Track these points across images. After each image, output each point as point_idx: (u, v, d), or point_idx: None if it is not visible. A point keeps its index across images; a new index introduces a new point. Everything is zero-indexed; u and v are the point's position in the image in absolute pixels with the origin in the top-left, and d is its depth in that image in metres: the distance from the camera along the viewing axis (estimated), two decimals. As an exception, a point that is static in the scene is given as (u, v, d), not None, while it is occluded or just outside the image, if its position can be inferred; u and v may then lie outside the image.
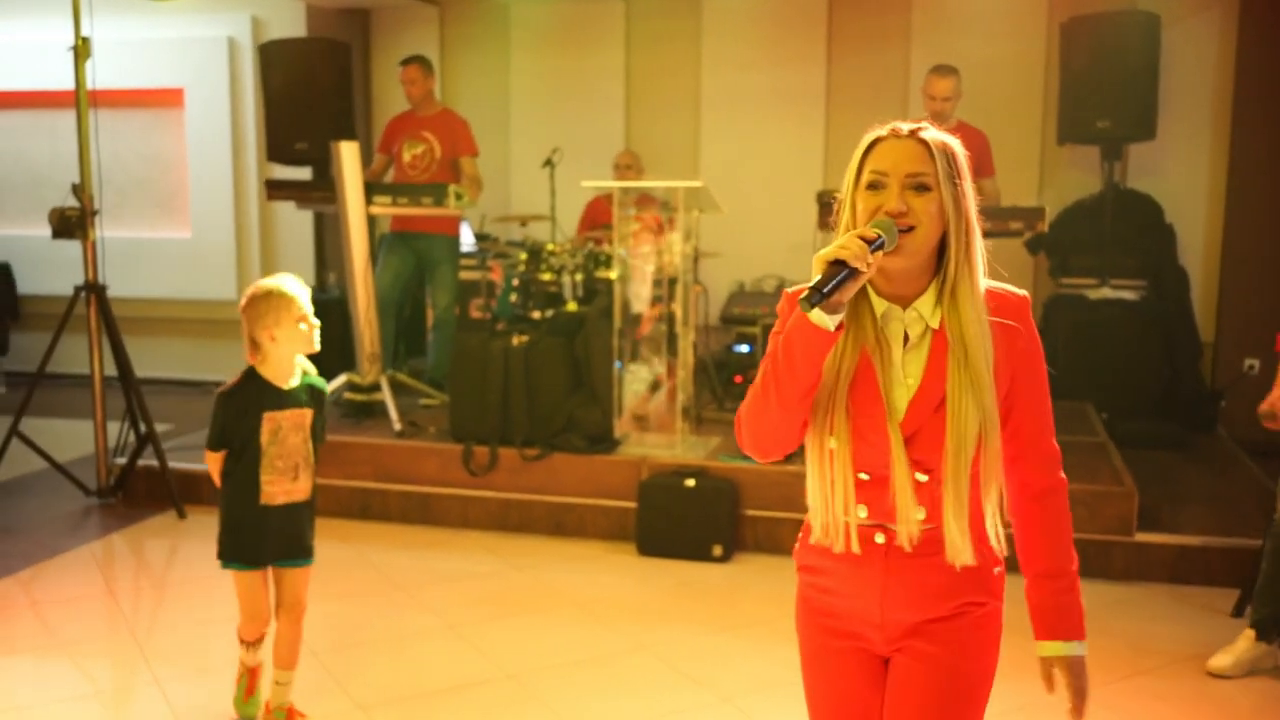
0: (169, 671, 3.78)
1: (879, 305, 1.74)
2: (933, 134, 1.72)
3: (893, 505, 1.73)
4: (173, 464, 5.54)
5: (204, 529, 5.27)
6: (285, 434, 3.09)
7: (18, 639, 4.07)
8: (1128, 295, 6.45)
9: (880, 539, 1.77)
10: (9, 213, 7.77)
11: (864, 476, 1.75)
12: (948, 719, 1.78)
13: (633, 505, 4.98)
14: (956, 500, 1.70)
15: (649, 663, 3.83)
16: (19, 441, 5.52)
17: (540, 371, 5.27)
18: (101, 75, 5.80)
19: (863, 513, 1.76)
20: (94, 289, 5.46)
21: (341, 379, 5.88)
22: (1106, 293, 6.45)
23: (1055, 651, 1.82)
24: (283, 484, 3.11)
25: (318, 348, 3.11)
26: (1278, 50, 6.40)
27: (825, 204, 5.49)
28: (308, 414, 3.14)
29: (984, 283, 1.74)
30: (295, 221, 7.84)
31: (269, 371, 3.10)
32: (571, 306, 5.98)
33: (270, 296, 3.04)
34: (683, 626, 4.14)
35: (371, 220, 6.83)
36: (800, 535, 1.91)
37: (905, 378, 1.73)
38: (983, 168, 5.61)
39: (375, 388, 5.80)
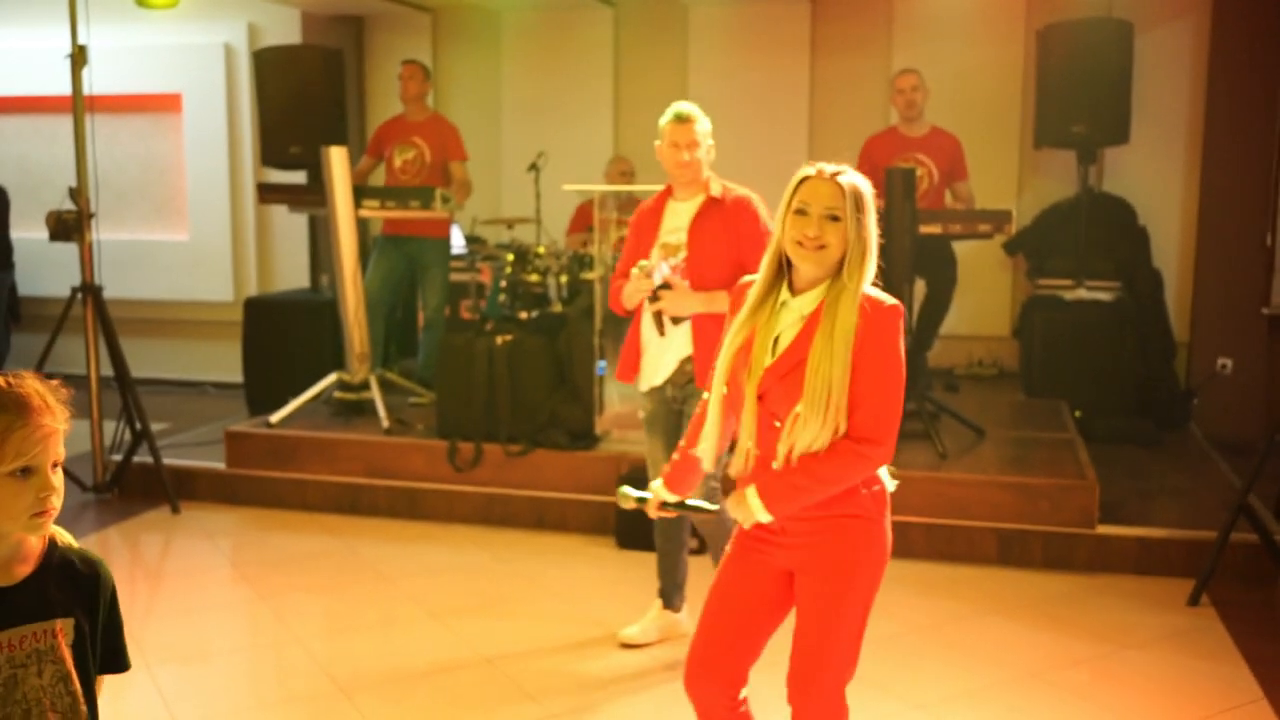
0: (162, 661, 3.92)
1: (784, 296, 2.34)
2: (847, 178, 2.26)
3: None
4: (167, 461, 5.69)
5: (197, 524, 5.43)
6: (17, 674, 1.68)
7: (15, 626, 4.21)
8: (1102, 296, 6.58)
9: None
10: (10, 215, 7.92)
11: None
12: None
13: (613, 500, 5.10)
14: (800, 440, 2.23)
15: (620, 649, 3.97)
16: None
17: (523, 370, 5.42)
18: (102, 81, 5.95)
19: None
20: (90, 290, 5.61)
21: (331, 378, 6.03)
22: (1082, 294, 6.58)
23: (750, 495, 2.31)
24: None
25: (44, 531, 1.77)
26: (1248, 56, 6.53)
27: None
28: (56, 627, 1.74)
29: (870, 290, 2.27)
30: (290, 224, 7.98)
31: None
32: (557, 307, 6.12)
33: None
34: (656, 615, 4.27)
35: (365, 223, 6.98)
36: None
37: (767, 352, 2.30)
38: (956, 171, 5.78)
39: (365, 386, 5.95)
